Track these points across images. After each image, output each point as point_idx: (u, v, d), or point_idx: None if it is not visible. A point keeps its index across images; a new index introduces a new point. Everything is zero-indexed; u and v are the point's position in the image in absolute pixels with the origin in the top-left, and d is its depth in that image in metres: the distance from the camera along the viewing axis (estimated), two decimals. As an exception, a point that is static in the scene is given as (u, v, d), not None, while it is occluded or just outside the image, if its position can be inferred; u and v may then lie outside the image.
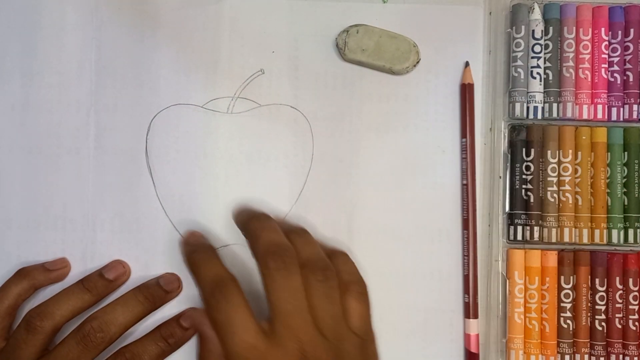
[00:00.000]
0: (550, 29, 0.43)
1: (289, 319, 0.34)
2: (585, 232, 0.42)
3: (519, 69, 0.43)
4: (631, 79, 0.43)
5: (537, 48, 0.43)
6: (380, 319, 0.42)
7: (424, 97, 0.44)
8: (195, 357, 0.41)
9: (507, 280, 0.43)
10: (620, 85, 0.43)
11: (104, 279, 0.41)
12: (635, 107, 0.43)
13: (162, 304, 0.42)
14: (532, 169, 0.43)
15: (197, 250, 0.38)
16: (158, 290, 0.41)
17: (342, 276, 0.37)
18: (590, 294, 0.42)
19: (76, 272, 0.42)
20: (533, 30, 0.43)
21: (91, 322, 0.38)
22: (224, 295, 0.34)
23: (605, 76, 0.43)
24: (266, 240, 0.36)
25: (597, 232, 0.42)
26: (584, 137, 0.43)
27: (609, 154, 0.43)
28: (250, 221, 0.38)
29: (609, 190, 0.43)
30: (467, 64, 0.44)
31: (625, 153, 0.43)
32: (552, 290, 0.42)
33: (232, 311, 0.34)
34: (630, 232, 0.42)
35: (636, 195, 0.42)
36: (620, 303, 0.42)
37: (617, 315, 0.42)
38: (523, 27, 0.43)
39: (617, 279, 0.42)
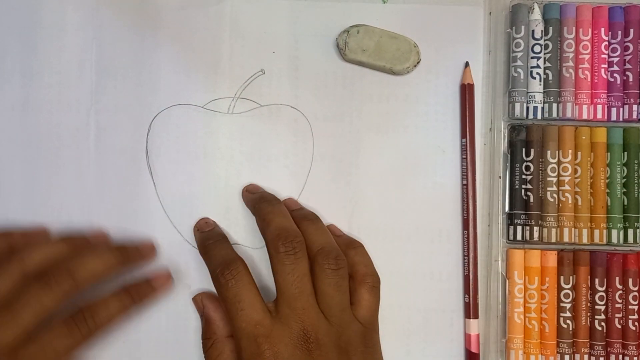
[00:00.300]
0: (550, 29, 0.43)
1: (294, 301, 0.36)
2: (584, 232, 0.42)
3: (518, 69, 0.43)
4: (631, 79, 0.43)
5: (537, 48, 0.43)
6: (381, 319, 0.42)
7: (424, 97, 0.44)
8: (194, 356, 0.42)
9: (507, 280, 0.43)
10: (620, 86, 0.43)
11: (85, 239, 0.41)
12: (635, 107, 0.43)
13: (135, 263, 0.41)
14: (531, 169, 0.43)
15: (210, 237, 0.40)
16: (131, 247, 0.41)
17: (358, 268, 0.39)
18: (590, 294, 0.42)
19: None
20: (533, 31, 0.43)
21: (58, 264, 0.37)
22: (233, 275, 0.36)
23: (605, 76, 0.43)
24: (277, 225, 0.38)
25: (596, 232, 0.42)
26: (583, 137, 0.43)
27: (609, 154, 0.43)
28: (261, 204, 0.40)
29: (608, 191, 0.43)
30: (467, 64, 0.44)
31: (625, 153, 0.43)
32: (551, 290, 0.42)
33: (240, 289, 0.36)
34: (630, 232, 0.42)
35: (636, 195, 0.43)
36: (620, 303, 0.42)
37: (616, 315, 0.42)
38: (523, 27, 0.43)
39: (617, 279, 0.42)
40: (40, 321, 0.36)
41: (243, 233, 0.43)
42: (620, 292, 0.42)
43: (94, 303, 0.38)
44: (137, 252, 0.41)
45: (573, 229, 0.42)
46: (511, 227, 0.43)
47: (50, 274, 0.37)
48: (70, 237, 0.41)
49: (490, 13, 0.44)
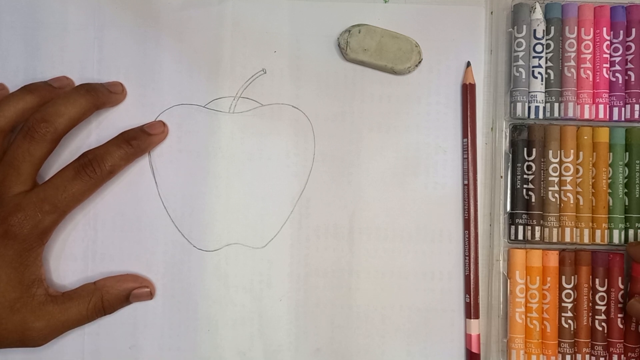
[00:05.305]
0: (552, 28, 0.43)
1: None
2: (586, 232, 0.42)
3: (520, 69, 0.43)
4: (633, 79, 0.43)
5: (539, 48, 0.43)
6: (382, 319, 0.42)
7: (425, 97, 0.44)
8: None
9: (508, 280, 0.43)
10: (622, 85, 0.43)
11: (49, 85, 0.41)
12: (637, 107, 0.43)
13: (106, 103, 0.42)
14: (533, 169, 0.43)
15: None
16: (101, 87, 0.41)
17: None
18: (591, 294, 0.42)
19: (77, 271, 0.42)
20: (534, 30, 0.43)
21: (34, 116, 0.39)
22: None
23: (607, 76, 0.43)
24: None
25: (598, 232, 0.42)
26: (585, 137, 0.43)
27: (611, 154, 0.43)
28: None
29: (610, 191, 0.42)
30: (468, 64, 0.44)
31: (627, 153, 0.43)
32: (553, 290, 0.42)
33: None
34: (631, 232, 0.42)
35: (637, 195, 0.42)
36: (622, 303, 0.42)
37: (618, 315, 0.42)
38: (524, 26, 0.43)
39: (619, 279, 0.42)
40: (37, 172, 0.39)
41: (243, 233, 0.43)
42: (622, 292, 0.42)
43: (98, 150, 0.40)
44: (106, 91, 0.42)
45: (574, 229, 0.42)
46: (512, 227, 0.43)
47: (30, 126, 0.38)
48: (34, 87, 0.40)
49: (491, 12, 0.44)
